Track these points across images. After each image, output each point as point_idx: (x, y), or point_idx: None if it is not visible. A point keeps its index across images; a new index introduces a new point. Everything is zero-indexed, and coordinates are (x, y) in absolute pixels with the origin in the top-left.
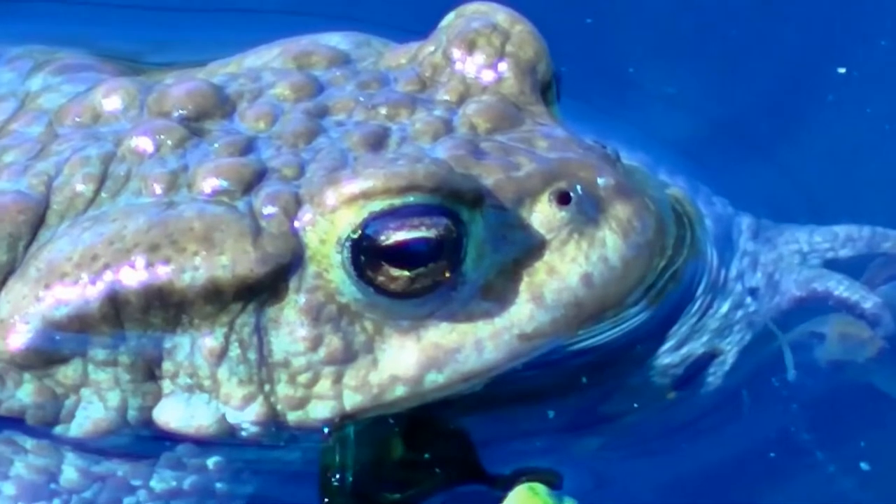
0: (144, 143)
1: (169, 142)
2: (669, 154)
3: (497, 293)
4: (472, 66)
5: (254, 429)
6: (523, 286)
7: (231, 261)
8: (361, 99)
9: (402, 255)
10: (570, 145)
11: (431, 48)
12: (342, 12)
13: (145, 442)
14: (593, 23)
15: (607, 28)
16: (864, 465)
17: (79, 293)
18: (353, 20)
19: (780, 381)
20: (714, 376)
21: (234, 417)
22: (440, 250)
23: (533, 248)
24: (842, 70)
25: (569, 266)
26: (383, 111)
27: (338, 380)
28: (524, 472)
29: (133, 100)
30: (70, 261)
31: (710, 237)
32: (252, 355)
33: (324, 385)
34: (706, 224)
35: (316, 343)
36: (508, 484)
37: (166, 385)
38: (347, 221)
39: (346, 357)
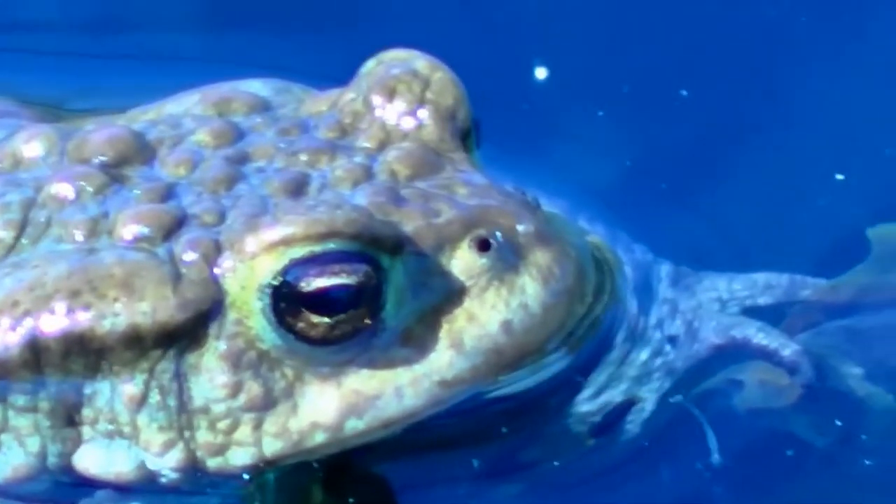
0: (65, 190)
1: (89, 188)
2: (589, 201)
3: (417, 340)
4: (393, 112)
5: (173, 475)
6: (443, 333)
7: (151, 307)
8: (282, 145)
9: (322, 301)
10: (490, 192)
11: (352, 95)
12: (263, 59)
13: (65, 488)
14: (514, 69)
15: (527, 75)
16: None
17: None
18: (273, 67)
19: (698, 429)
20: (633, 424)
21: (153, 464)
22: (360, 297)
23: (453, 294)
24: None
25: (489, 313)
26: (303, 158)
27: (258, 426)
28: None
29: (53, 146)
30: None
31: (629, 284)
32: (172, 402)
33: (244, 431)
34: (626, 271)
35: (236, 389)
36: None
37: (86, 431)
38: (268, 268)
39: (266, 404)
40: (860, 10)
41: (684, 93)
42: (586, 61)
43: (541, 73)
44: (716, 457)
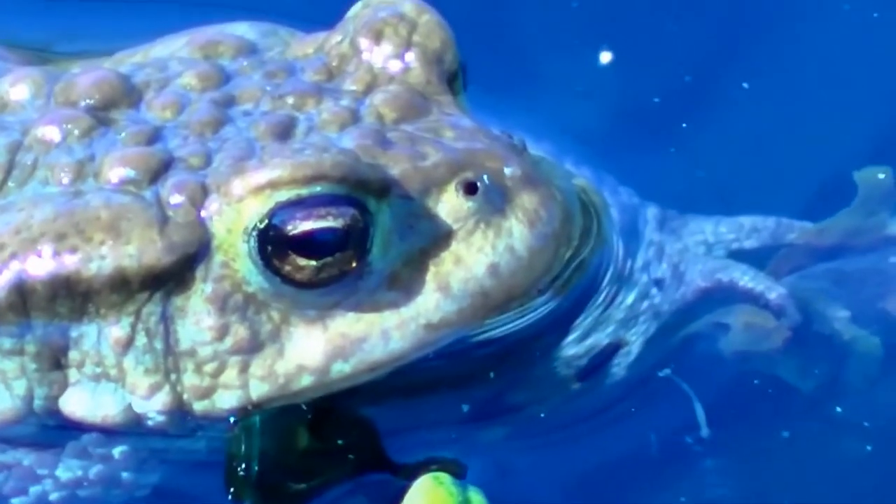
0: (51, 133)
1: (76, 131)
2: (575, 144)
3: (403, 283)
4: (379, 55)
5: (160, 418)
6: (430, 276)
7: (137, 250)
8: (268, 88)
9: (308, 244)
10: (477, 135)
11: (338, 38)
12: (250, 3)
13: (51, 431)
14: (500, 13)
15: (513, 18)
16: (769, 455)
17: None
18: (260, 10)
19: (684, 372)
20: (619, 367)
21: (140, 407)
22: (347, 240)
23: (439, 237)
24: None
25: (475, 256)
26: (290, 101)
27: (244, 369)
28: (429, 462)
29: (39, 89)
30: None
31: (615, 227)
32: (158, 345)
33: (230, 375)
34: (612, 214)
35: (222, 332)
36: (413, 473)
37: (72, 374)
38: (254, 211)
39: (253, 347)
40: None
41: (672, 31)
42: (575, 6)
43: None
44: (704, 430)
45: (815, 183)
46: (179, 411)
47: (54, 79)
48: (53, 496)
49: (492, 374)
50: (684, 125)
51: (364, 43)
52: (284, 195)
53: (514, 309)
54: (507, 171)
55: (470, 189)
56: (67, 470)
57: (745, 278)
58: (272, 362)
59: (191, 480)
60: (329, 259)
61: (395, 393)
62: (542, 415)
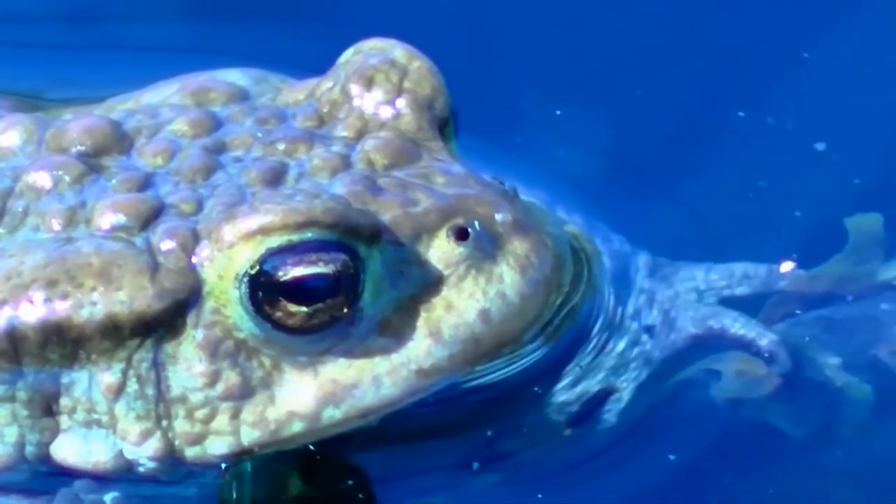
0: (42, 179)
1: (67, 178)
2: (567, 191)
3: (395, 329)
4: (371, 102)
5: (151, 464)
6: (421, 322)
7: (129, 296)
8: (259, 135)
9: (299, 290)
10: (468, 181)
11: (330, 84)
12: (241, 49)
13: (43, 478)
14: (491, 59)
15: (506, 65)
16: (760, 502)
17: None
18: (251, 57)
19: (675, 419)
20: (610, 414)
21: (131, 453)
22: (338, 286)
23: (430, 283)
24: (741, 114)
25: (466, 302)
26: (281, 147)
27: (235, 415)
28: None
29: (31, 136)
30: None
31: (607, 274)
32: (150, 391)
33: (221, 421)
34: (603, 261)
35: (213, 379)
36: None
37: (64, 421)
38: (245, 257)
39: (244, 393)
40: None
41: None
42: (568, 54)
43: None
44: None
45: (806, 230)
46: (171, 457)
47: (45, 125)
48: None
49: (482, 421)
50: (675, 172)
51: (355, 89)
52: (276, 241)
53: (505, 355)
54: (498, 217)
55: (461, 235)
56: None
57: (737, 325)
58: (263, 408)
59: None
60: (320, 305)
61: (386, 439)
62: (534, 461)
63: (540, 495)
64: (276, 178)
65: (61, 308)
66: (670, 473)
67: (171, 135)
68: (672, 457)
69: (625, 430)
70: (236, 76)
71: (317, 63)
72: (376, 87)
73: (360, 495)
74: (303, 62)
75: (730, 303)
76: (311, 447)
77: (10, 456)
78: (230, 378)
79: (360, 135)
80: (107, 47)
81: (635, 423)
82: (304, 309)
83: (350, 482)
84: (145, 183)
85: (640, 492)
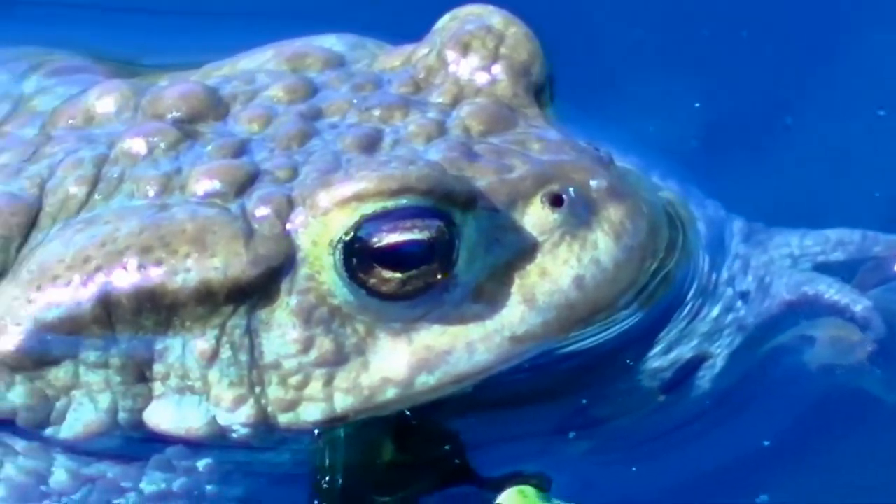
0: (138, 146)
1: (162, 144)
2: (661, 157)
3: (489, 295)
4: (467, 68)
5: (244, 431)
6: (515, 288)
7: (223, 263)
8: (355, 101)
9: (394, 257)
10: (564, 147)
11: (426, 50)
12: (337, 15)
13: (135, 444)
14: (589, 26)
15: (602, 31)
16: (853, 468)
17: (71, 295)
18: (348, 22)
19: (769, 386)
20: (703, 380)
21: (224, 419)
22: (432, 252)
23: (525, 250)
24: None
25: (561, 268)
26: (377, 113)
27: (329, 382)
28: (514, 475)
29: (127, 102)
30: (62, 263)
31: (701, 240)
32: (243, 357)
33: (315, 387)
34: (698, 227)
35: (307, 345)
36: (498, 487)
37: (157, 387)
38: (340, 224)
39: (338, 359)
40: None
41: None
42: (663, 19)
43: (618, 31)
44: None
45: None
46: (264, 424)
47: (141, 92)
48: None
49: (576, 387)
50: (770, 137)
51: (451, 55)
52: (370, 208)
53: (598, 322)
54: (593, 183)
55: (556, 201)
56: (151, 483)
57: (831, 291)
58: (357, 375)
59: (275, 493)
60: (414, 272)
61: (479, 406)
62: (627, 428)
63: (633, 462)
64: (371, 144)
65: (155, 275)
66: (764, 440)
67: (266, 101)
68: (765, 423)
69: (718, 397)
70: (332, 42)
71: (413, 29)
72: (472, 53)
73: (454, 462)
74: (399, 28)
75: (824, 269)
76: (407, 413)
77: (103, 422)
78: (324, 344)
79: (456, 101)
80: (204, 13)
81: (729, 390)
82: (398, 275)
83: (443, 449)
84: (241, 149)
85: (734, 459)
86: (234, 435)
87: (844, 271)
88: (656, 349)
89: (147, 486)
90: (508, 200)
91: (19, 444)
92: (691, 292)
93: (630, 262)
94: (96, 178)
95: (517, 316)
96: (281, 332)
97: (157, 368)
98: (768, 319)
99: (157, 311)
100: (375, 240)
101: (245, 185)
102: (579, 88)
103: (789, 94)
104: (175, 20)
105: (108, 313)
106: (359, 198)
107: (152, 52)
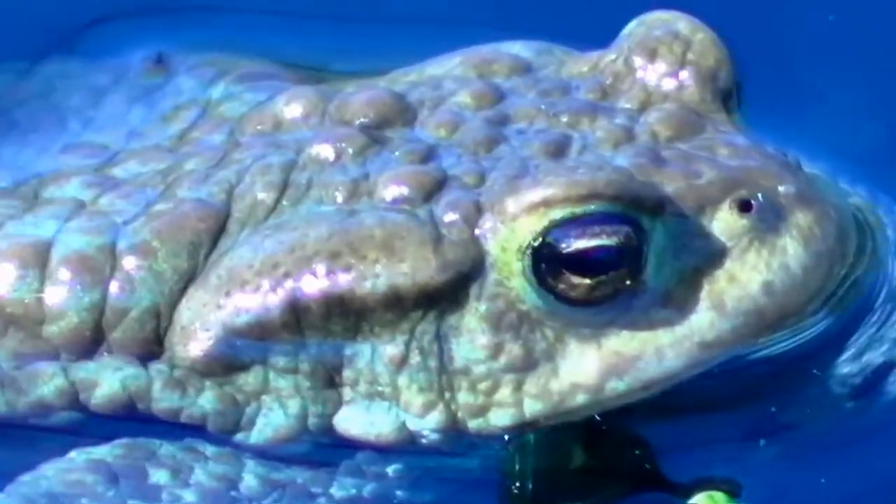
0: (326, 152)
1: (350, 150)
2: (849, 163)
3: (677, 301)
4: (654, 74)
5: (434, 436)
6: (704, 294)
7: (412, 268)
8: (543, 107)
9: (582, 262)
10: (752, 153)
11: (613, 56)
12: (524, 21)
13: (325, 449)
14: (775, 32)
15: (789, 37)
16: None
17: (260, 301)
18: (534, 29)
19: None
20: (893, 386)
21: (414, 425)
22: (621, 258)
23: (713, 255)
24: None
25: (749, 274)
26: (564, 119)
27: (518, 387)
28: (704, 481)
29: (314, 108)
30: (251, 268)
31: (890, 246)
32: (432, 363)
33: (504, 393)
34: (887, 233)
35: (497, 351)
36: (688, 492)
37: (346, 392)
38: (528, 229)
39: (527, 365)
40: None
41: None
42: (849, 27)
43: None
44: None
45: None
46: (453, 429)
47: (329, 97)
48: None
49: (764, 393)
50: None
51: (639, 61)
52: (559, 214)
53: (787, 327)
54: (781, 188)
55: (744, 207)
56: (342, 488)
57: None
58: (546, 380)
59: (465, 499)
60: (603, 277)
61: (668, 411)
62: (816, 434)
63: (822, 469)
64: (559, 150)
65: (344, 280)
66: None
67: (454, 107)
68: None
69: None
70: (519, 48)
71: (600, 35)
72: (660, 59)
73: (643, 467)
74: (586, 34)
75: None
76: (597, 417)
77: (292, 427)
78: (513, 350)
79: (644, 107)
80: (391, 20)
81: None
82: (587, 281)
83: (633, 454)
84: (428, 155)
85: None
86: (424, 440)
87: None
88: (845, 355)
89: (337, 492)
90: (696, 206)
91: (209, 450)
92: (881, 298)
93: (819, 267)
94: (284, 183)
95: (706, 321)
96: (470, 337)
97: (347, 374)
98: None
99: (346, 316)
100: (564, 245)
101: (433, 190)
102: (766, 94)
103: None
104: (362, 26)
105: (298, 318)
106: (547, 204)
107: (339, 59)
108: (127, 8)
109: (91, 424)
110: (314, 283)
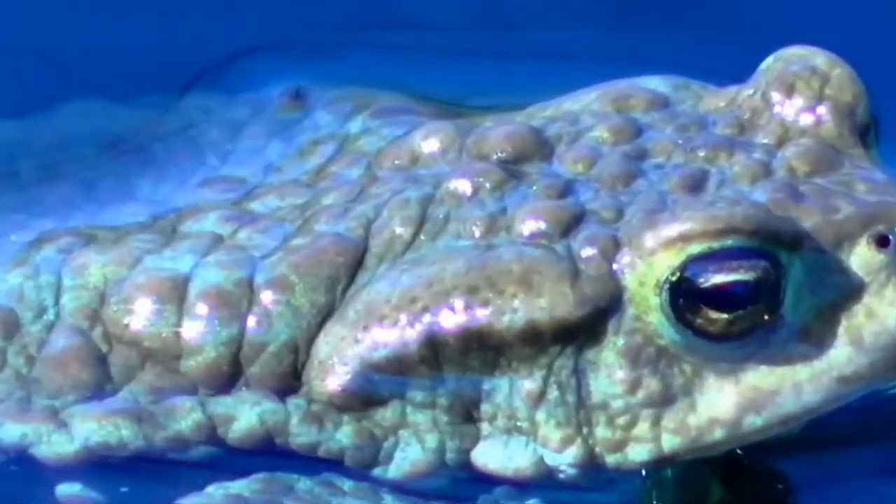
0: (463, 186)
1: (488, 185)
2: None
3: (815, 336)
4: (792, 109)
5: (572, 471)
6: (841, 329)
7: (549, 303)
8: (680, 142)
9: (720, 297)
10: (890, 189)
11: (751, 91)
12: (661, 56)
13: (462, 484)
14: None
15: None
16: None
17: (397, 335)
18: (671, 64)
19: None
20: None
21: (552, 460)
22: (759, 293)
23: (851, 291)
24: None
25: (887, 309)
26: (702, 154)
27: (656, 422)
28: None
29: (452, 143)
30: (389, 303)
31: None
32: (570, 398)
33: (642, 427)
34: None
35: (635, 385)
36: None
37: (485, 427)
38: (666, 264)
39: (665, 399)
40: None
41: None
42: None
43: None
44: None
45: None
46: (591, 464)
47: (466, 132)
48: None
49: None
50: None
51: (776, 96)
52: (696, 248)
53: None
54: None
55: (882, 242)
56: None
57: None
58: (684, 415)
59: None
60: (741, 312)
61: (806, 445)
62: None
63: None
64: (697, 185)
65: (482, 315)
66: None
67: (591, 141)
68: None
69: None
70: (657, 83)
71: (737, 71)
72: (797, 94)
73: (786, 501)
74: (723, 70)
75: None
76: (738, 451)
77: (430, 462)
78: (651, 385)
79: (781, 142)
80: (527, 54)
81: None
82: (725, 316)
83: (771, 488)
84: (566, 190)
85: None
86: (562, 475)
87: None
88: None
89: None
90: (834, 241)
91: (347, 485)
92: None
93: None
94: (422, 218)
95: (844, 357)
96: (608, 372)
97: (485, 408)
98: None
99: (484, 351)
100: (702, 280)
101: (571, 225)
102: None
103: None
104: (499, 62)
105: (435, 353)
106: (685, 238)
107: (476, 93)
108: (265, 43)
109: (228, 459)
110: (452, 318)
